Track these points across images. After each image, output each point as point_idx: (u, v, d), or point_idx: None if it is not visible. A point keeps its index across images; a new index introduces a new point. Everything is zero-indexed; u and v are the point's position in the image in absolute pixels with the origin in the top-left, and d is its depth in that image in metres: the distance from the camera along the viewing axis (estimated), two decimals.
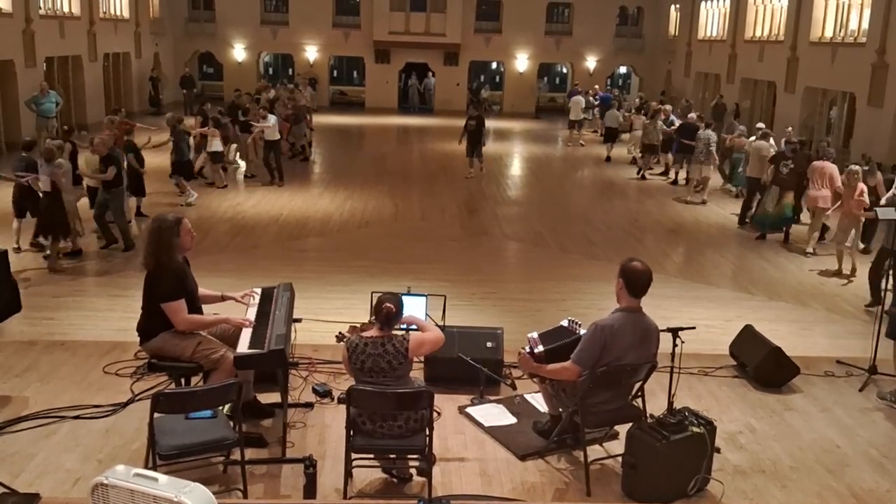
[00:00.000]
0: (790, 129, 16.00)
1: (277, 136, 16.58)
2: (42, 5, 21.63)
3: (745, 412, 6.66)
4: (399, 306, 5.12)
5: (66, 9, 23.31)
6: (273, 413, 6.08)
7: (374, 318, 5.21)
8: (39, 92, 19.45)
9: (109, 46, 26.10)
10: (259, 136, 16.81)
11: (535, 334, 5.82)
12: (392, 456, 5.28)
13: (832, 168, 12.14)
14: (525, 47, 33.39)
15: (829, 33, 20.57)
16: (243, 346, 5.46)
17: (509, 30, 33.14)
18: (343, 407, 5.13)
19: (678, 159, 18.22)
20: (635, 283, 5.30)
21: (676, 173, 18.59)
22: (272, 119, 16.40)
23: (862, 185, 10.88)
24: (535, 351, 5.67)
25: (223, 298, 6.16)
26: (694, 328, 5.96)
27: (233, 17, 32.42)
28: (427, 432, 5.03)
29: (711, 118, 21.17)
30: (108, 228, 11.20)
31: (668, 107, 20.92)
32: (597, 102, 27.18)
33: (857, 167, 11.17)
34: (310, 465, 5.02)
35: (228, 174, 16.83)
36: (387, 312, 5.07)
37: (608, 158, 21.68)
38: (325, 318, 7.37)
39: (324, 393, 6.57)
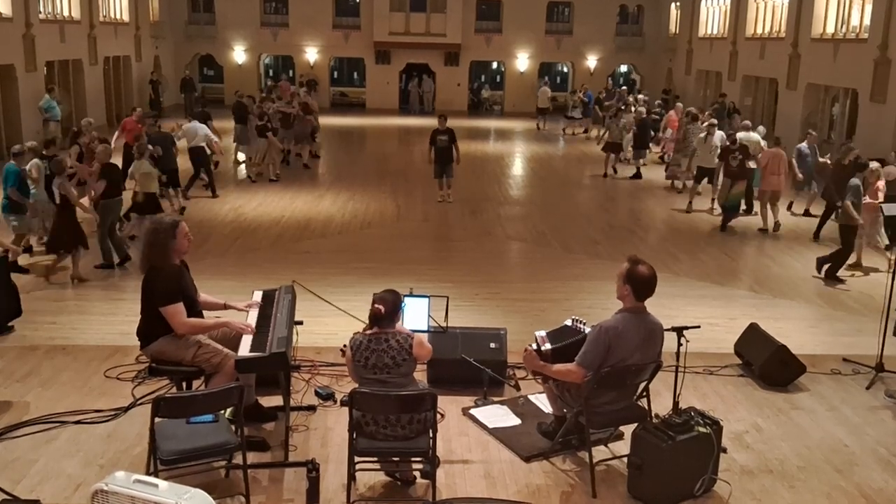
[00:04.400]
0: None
1: (201, 144, 15.44)
2: (42, 9, 21.63)
3: (751, 411, 6.61)
4: (390, 306, 5.06)
5: (66, 13, 23.32)
6: (275, 416, 6.04)
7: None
8: (52, 95, 19.59)
9: (110, 50, 26.10)
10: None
11: (542, 332, 5.78)
12: (395, 459, 5.24)
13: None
14: (526, 47, 33.36)
15: (830, 29, 20.50)
16: (244, 350, 5.42)
17: (510, 29, 33.12)
18: (346, 410, 5.09)
19: (635, 155, 19.17)
20: (643, 289, 5.26)
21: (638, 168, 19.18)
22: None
23: (881, 182, 11.05)
24: (543, 349, 5.63)
25: (225, 307, 6.12)
26: (699, 327, 5.92)
27: (233, 19, 32.42)
28: (431, 434, 4.99)
29: (713, 116, 21.10)
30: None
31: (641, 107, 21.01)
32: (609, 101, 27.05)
33: (876, 164, 11.29)
34: (312, 468, 4.99)
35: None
36: (374, 314, 5.04)
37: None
38: (330, 302, 7.35)
39: (326, 396, 6.53)
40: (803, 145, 15.24)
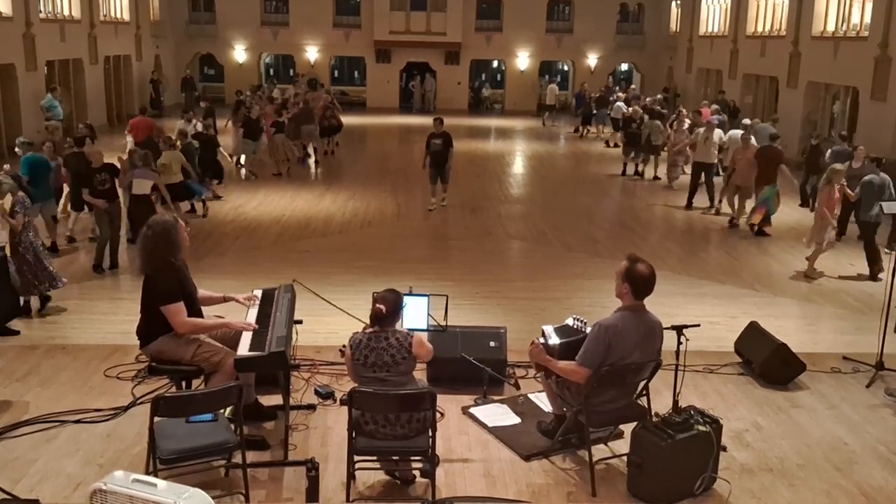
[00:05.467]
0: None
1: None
2: (42, 9, 21.63)
3: (751, 410, 6.60)
4: (391, 306, 5.06)
5: (66, 12, 23.31)
6: (275, 415, 6.04)
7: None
8: (54, 94, 19.63)
9: (110, 49, 26.09)
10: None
11: (550, 327, 5.78)
12: (395, 458, 5.24)
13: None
14: (526, 45, 33.33)
15: (831, 27, 20.48)
16: (244, 349, 5.41)
17: (510, 28, 33.09)
18: (345, 409, 5.08)
19: (626, 152, 18.98)
20: (641, 287, 5.25)
21: (627, 165, 19.02)
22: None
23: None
24: (550, 343, 5.63)
25: (225, 300, 6.12)
26: (698, 325, 5.91)
27: (233, 18, 32.42)
28: (430, 433, 4.99)
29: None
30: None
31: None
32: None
33: (839, 166, 11.24)
34: (312, 467, 4.98)
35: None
36: (375, 313, 5.04)
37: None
38: (330, 302, 7.36)
39: (326, 395, 6.53)
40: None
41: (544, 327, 5.83)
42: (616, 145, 22.69)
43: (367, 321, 5.21)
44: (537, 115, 31.46)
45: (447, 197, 14.77)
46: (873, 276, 10.64)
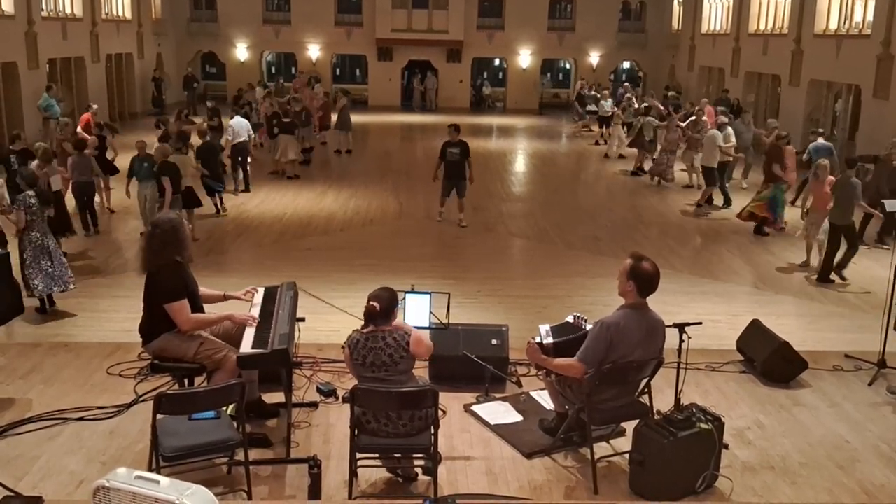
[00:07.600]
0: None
1: (245, 139, 15.72)
2: (44, 7, 21.65)
3: (753, 408, 6.60)
4: (385, 304, 5.04)
5: (68, 10, 23.34)
6: (277, 413, 6.05)
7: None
8: (51, 93, 19.62)
9: (112, 47, 26.12)
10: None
11: (546, 326, 5.80)
12: (397, 455, 5.24)
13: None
14: (528, 43, 33.31)
15: (833, 26, 20.46)
16: (246, 346, 5.42)
17: (512, 26, 33.07)
18: (347, 406, 5.09)
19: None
20: (646, 285, 5.26)
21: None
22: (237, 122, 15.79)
23: (831, 178, 10.86)
24: (545, 343, 5.64)
25: (225, 298, 6.13)
26: (700, 324, 5.91)
27: (235, 16, 32.43)
28: (432, 431, 4.99)
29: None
30: None
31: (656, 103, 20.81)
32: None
33: (826, 161, 11.18)
34: (314, 465, 4.99)
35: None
36: (368, 311, 5.03)
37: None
38: (330, 303, 7.37)
39: (328, 392, 6.54)
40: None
41: (540, 326, 5.84)
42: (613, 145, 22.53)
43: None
44: (539, 114, 31.41)
45: (465, 217, 13.28)
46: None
